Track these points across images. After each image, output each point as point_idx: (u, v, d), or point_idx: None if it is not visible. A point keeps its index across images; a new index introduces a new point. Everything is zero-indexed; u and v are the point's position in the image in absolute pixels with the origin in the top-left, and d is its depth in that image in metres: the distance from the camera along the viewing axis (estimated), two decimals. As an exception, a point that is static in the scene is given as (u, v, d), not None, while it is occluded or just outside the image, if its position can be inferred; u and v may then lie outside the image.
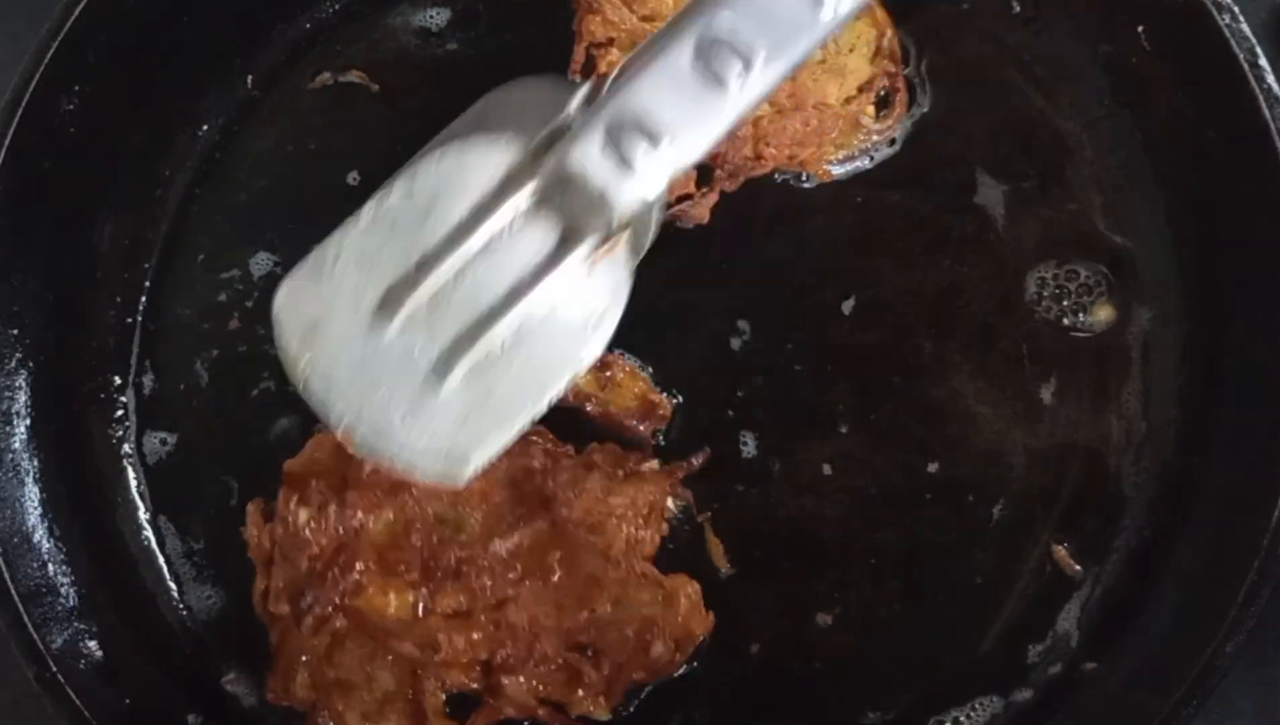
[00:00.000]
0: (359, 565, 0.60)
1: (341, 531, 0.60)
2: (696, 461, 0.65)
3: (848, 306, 0.68)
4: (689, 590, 0.62)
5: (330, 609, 0.60)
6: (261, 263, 0.71)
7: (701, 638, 0.63)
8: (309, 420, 0.66)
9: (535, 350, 0.48)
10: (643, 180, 0.46)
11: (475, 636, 0.59)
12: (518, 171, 0.48)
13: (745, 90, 0.45)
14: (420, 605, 0.59)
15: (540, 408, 0.49)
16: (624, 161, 0.46)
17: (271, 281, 0.70)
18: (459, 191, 0.48)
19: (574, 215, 0.47)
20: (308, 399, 0.50)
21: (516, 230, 0.48)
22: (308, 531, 0.60)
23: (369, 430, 0.49)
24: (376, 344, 0.48)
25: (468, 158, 0.48)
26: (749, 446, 0.66)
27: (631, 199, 0.46)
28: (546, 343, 0.48)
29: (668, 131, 0.45)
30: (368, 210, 0.48)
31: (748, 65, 0.44)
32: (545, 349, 0.48)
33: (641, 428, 0.65)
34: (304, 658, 0.61)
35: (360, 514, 0.61)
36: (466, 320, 0.48)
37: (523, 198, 0.47)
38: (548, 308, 0.48)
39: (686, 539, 0.65)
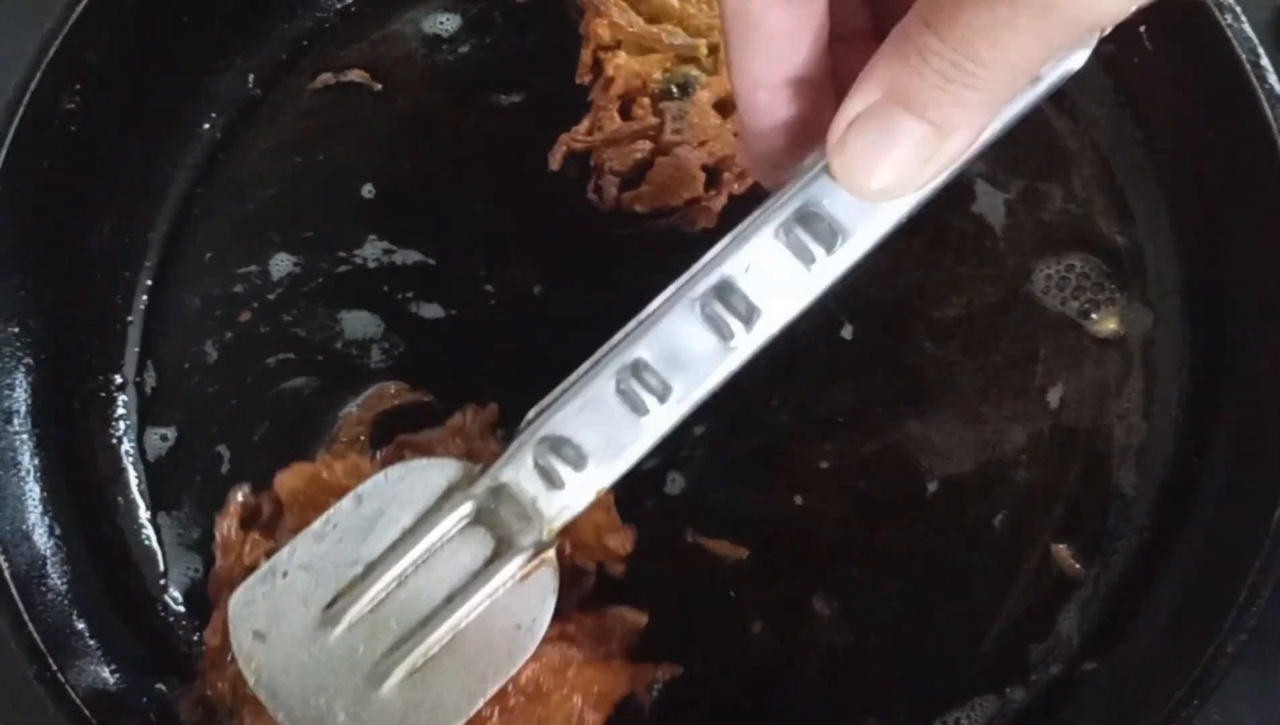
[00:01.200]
0: None
1: None
2: (664, 675, 0.64)
3: (848, 307, 0.68)
4: None
5: None
6: (280, 263, 0.71)
7: None
8: (325, 401, 0.66)
9: (469, 655, 0.52)
10: (569, 495, 0.51)
11: None
12: (457, 487, 0.52)
13: (664, 416, 0.49)
14: None
15: (473, 709, 0.52)
16: (552, 479, 0.51)
17: (276, 280, 0.70)
18: (403, 505, 0.52)
19: (508, 528, 0.52)
20: (259, 696, 0.53)
21: (454, 542, 0.52)
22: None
23: None
24: (321, 647, 0.52)
25: (412, 475, 0.53)
26: (748, 445, 0.66)
27: (559, 512, 0.51)
28: (479, 648, 0.52)
29: (592, 453, 0.50)
30: (319, 522, 0.53)
31: (664, 396, 0.49)
32: (478, 654, 0.52)
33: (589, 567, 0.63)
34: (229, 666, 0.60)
35: None
36: (405, 626, 0.52)
37: (461, 512, 0.52)
38: (481, 615, 0.52)
39: (704, 546, 0.66)
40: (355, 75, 0.73)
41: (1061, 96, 0.69)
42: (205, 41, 0.71)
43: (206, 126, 0.73)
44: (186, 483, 0.69)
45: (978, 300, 0.67)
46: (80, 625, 0.64)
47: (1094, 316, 0.67)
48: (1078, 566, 0.65)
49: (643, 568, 0.64)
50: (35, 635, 0.61)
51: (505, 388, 0.67)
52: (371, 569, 0.52)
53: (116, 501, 0.69)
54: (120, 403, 0.70)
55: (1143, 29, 0.65)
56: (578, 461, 0.50)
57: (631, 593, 0.64)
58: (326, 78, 0.73)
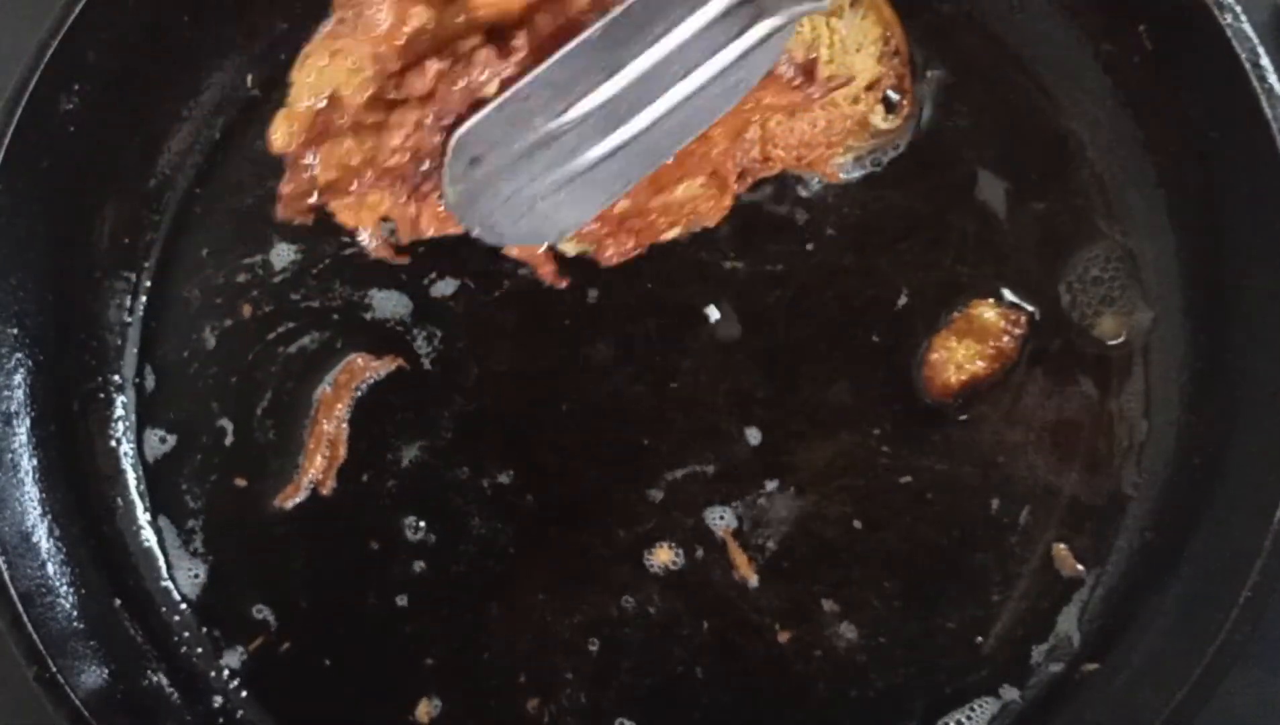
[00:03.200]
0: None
1: None
2: None
3: (849, 307, 0.68)
4: None
5: None
6: (281, 252, 0.71)
7: None
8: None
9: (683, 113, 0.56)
10: None
11: None
12: None
13: None
14: None
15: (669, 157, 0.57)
16: None
17: (279, 268, 0.70)
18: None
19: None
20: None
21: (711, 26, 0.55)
22: None
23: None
24: (539, 148, 0.54)
25: None
26: (749, 446, 0.66)
27: None
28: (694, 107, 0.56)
29: None
30: (566, 48, 0.54)
31: None
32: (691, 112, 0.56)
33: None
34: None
35: None
36: (635, 108, 0.54)
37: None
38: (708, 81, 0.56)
39: (710, 550, 0.66)
40: (355, 75, 0.73)
41: (1062, 96, 0.69)
42: (205, 41, 0.71)
43: (206, 127, 0.73)
44: (185, 485, 0.69)
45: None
46: (80, 626, 0.64)
47: (1094, 316, 0.67)
48: (1078, 566, 0.65)
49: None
50: (35, 636, 0.61)
51: (503, 383, 0.68)
52: (616, 70, 0.53)
53: (116, 503, 0.69)
54: (119, 403, 0.70)
55: (1143, 29, 0.65)
56: None
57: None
58: (326, 78, 0.73)
